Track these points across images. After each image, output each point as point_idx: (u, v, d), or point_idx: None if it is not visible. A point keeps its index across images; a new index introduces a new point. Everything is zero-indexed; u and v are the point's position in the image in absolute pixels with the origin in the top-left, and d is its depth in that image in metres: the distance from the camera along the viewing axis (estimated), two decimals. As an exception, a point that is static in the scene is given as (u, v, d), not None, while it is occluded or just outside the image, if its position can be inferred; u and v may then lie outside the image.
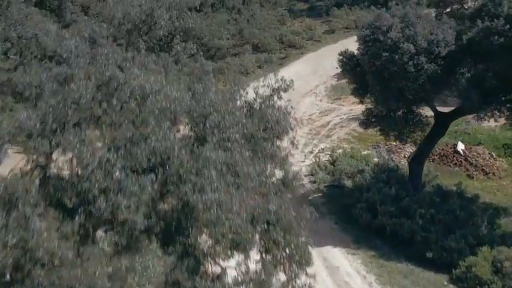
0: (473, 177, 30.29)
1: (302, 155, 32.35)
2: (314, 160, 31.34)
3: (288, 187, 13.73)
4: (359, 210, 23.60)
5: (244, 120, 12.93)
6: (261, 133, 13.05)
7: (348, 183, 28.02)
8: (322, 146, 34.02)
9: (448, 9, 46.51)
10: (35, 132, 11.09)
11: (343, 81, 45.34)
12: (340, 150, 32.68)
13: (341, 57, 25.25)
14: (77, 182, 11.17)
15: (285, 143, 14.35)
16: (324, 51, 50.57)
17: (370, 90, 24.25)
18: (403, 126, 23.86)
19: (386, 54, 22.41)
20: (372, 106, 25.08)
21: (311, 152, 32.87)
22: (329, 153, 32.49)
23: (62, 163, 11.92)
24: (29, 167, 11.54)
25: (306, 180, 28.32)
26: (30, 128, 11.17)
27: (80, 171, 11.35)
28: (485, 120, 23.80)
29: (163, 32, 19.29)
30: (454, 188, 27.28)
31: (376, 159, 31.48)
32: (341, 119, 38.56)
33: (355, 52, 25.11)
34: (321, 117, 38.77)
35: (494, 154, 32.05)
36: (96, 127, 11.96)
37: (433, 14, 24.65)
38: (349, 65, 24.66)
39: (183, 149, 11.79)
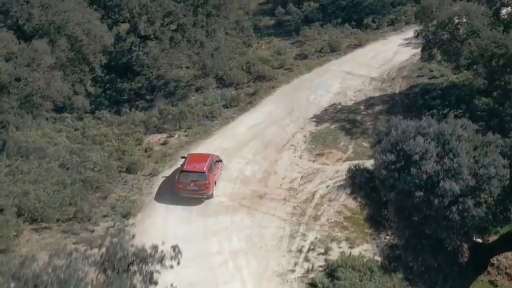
0: (497, 286, 25.27)
1: (290, 257, 26.66)
2: (306, 269, 25.68)
3: None
4: None
5: None
6: None
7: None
8: (311, 236, 28.33)
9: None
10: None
11: (323, 126, 39.76)
12: (335, 248, 27.20)
13: (350, 175, 19.44)
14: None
15: None
16: (298, 84, 44.60)
17: (393, 226, 18.62)
18: (437, 276, 18.37)
19: (421, 193, 16.74)
20: (393, 241, 19.47)
21: (300, 251, 27.13)
22: (322, 252, 26.93)
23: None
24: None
25: (302, 317, 22.76)
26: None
27: None
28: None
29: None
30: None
31: (379, 261, 26.03)
32: (327, 186, 32.82)
33: (369, 166, 19.37)
34: (304, 185, 32.96)
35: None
36: None
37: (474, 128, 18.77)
38: (363, 189, 18.86)
39: None
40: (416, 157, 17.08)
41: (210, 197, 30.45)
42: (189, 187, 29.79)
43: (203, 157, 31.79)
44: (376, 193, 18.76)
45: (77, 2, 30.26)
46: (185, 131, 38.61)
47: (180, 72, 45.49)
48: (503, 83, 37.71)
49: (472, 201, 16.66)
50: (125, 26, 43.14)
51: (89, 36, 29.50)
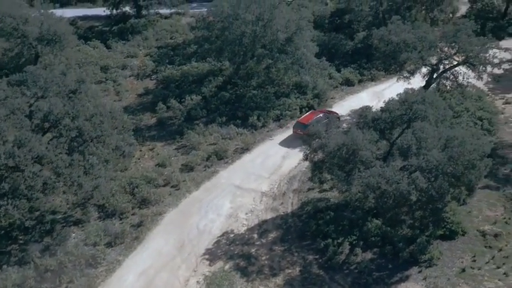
0: None
1: None
2: None
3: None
4: None
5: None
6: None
7: None
8: None
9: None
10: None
11: (217, 266, 37.47)
12: None
13: None
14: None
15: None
16: (187, 206, 42.16)
17: None
18: None
19: None
20: None
21: None
22: None
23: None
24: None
25: None
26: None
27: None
28: None
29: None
30: None
31: None
32: None
33: None
34: None
35: None
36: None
37: None
38: None
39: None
40: None
41: None
42: (297, 131, 49.08)
43: (314, 114, 50.88)
44: None
45: None
46: (66, 287, 35.13)
47: (57, 200, 41.65)
48: (393, 214, 37.66)
49: None
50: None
51: None
